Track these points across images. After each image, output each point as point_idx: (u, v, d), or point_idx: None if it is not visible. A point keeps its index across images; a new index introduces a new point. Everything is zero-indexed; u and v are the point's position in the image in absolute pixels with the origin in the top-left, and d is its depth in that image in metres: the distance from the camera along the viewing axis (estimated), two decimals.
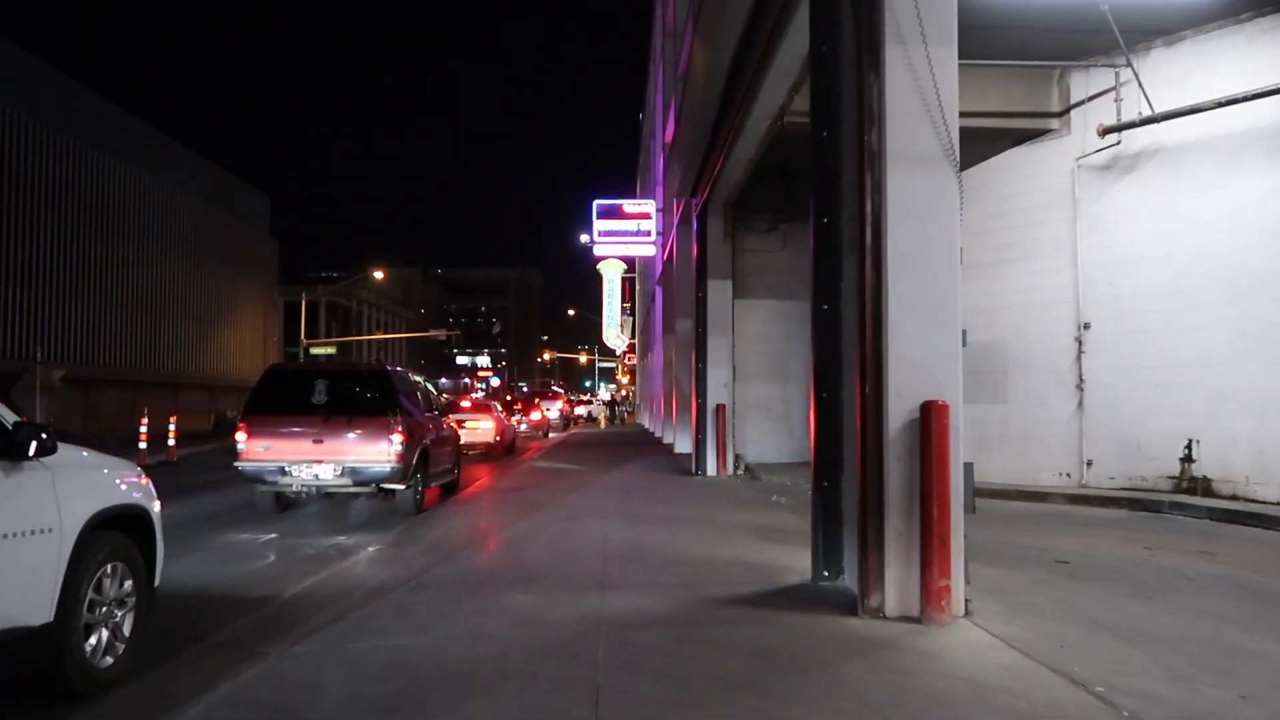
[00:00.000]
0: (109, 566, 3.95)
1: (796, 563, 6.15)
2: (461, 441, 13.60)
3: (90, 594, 3.80)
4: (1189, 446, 9.57)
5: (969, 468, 5.54)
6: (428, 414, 10.85)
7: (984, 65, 9.88)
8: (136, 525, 4.25)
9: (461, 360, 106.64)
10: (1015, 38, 9.70)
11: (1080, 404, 10.47)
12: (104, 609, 3.93)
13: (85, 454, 4.09)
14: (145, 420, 17.52)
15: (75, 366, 34.24)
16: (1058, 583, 5.75)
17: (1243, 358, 9.19)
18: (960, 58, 4.98)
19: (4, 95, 32.69)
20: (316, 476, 9.12)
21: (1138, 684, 3.70)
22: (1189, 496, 9.33)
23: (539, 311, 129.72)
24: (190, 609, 5.53)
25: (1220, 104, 8.99)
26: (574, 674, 3.87)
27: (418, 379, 11.63)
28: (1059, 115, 10.72)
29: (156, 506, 4.47)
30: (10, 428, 3.43)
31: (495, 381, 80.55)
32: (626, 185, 52.23)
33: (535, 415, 32.54)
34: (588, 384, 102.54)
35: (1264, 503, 8.83)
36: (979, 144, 10.86)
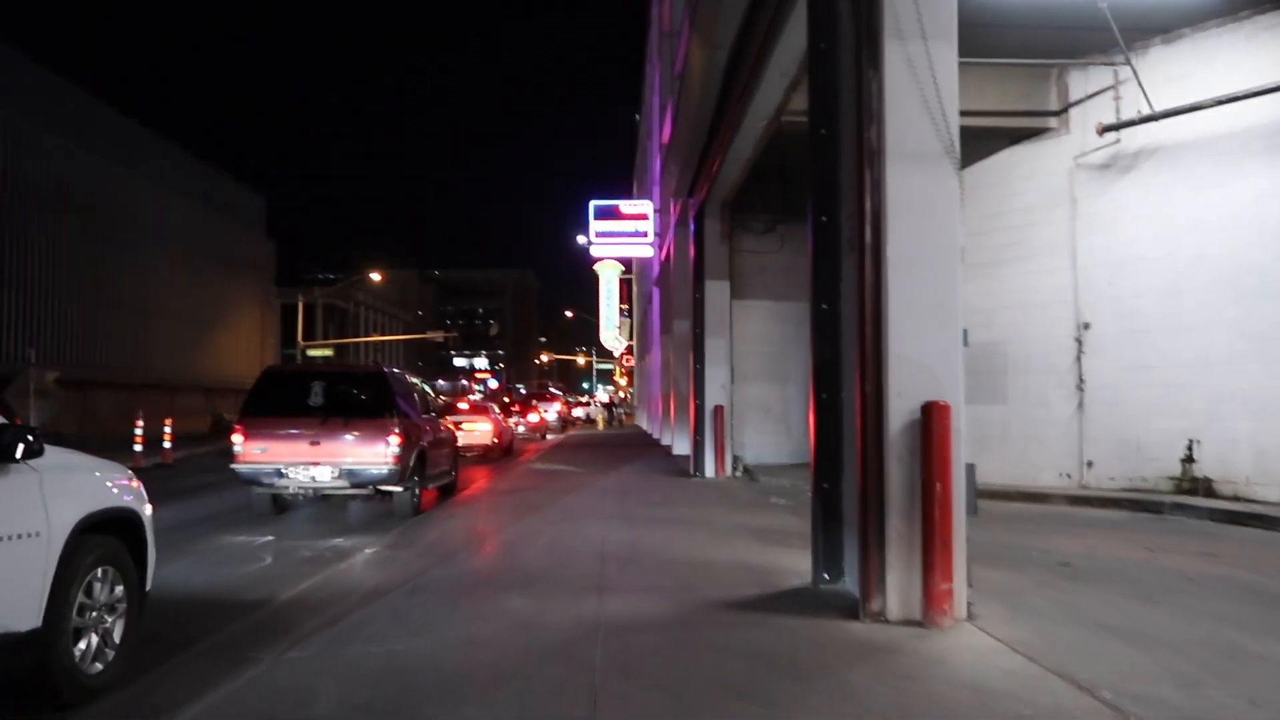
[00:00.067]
0: (99, 570, 3.89)
1: (796, 565, 6.10)
2: (459, 443, 13.53)
3: (80, 598, 3.73)
4: (1190, 447, 9.54)
5: (971, 469, 5.49)
6: (425, 416, 10.80)
7: (981, 64, 9.83)
8: (127, 528, 4.19)
9: (459, 362, 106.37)
10: (1013, 36, 9.67)
11: (1080, 404, 10.43)
12: (94, 614, 3.86)
13: (74, 457, 4.03)
14: (141, 423, 17.44)
15: (70, 369, 34.04)
16: (1060, 585, 5.71)
17: (1243, 358, 9.15)
18: (958, 55, 4.94)
19: None
20: (313, 478, 9.08)
21: (1144, 688, 3.65)
22: (1190, 497, 9.29)
23: (536, 313, 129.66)
24: (183, 613, 5.46)
25: (1220, 102, 8.96)
26: (571, 678, 3.82)
27: (415, 381, 11.58)
28: (1057, 114, 10.69)
29: (148, 509, 4.41)
30: None
31: (493, 383, 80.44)
32: (623, 186, 52.16)
33: (533, 417, 32.46)
34: (585, 385, 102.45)
35: (1265, 503, 8.79)
36: (977, 143, 10.80)
